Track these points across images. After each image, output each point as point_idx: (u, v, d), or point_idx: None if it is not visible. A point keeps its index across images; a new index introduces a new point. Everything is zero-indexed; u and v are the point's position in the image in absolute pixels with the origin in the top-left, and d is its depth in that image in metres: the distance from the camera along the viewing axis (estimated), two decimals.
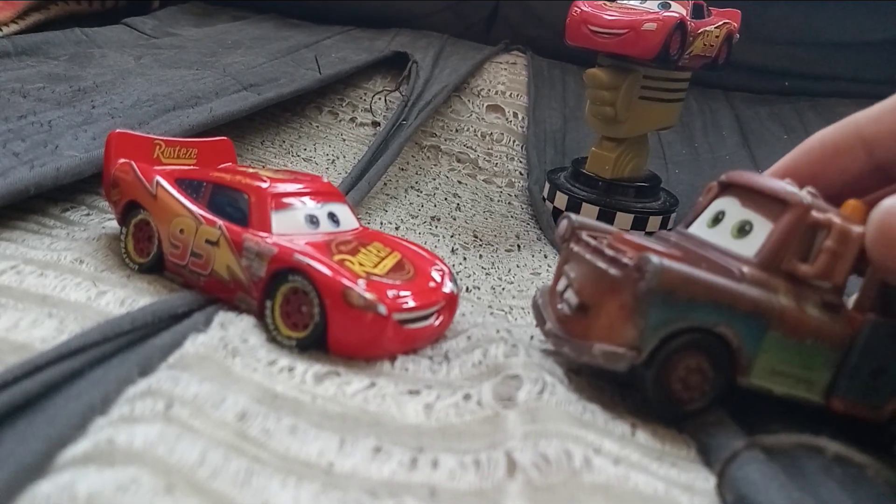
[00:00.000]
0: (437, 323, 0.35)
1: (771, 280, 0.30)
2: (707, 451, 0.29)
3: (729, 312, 0.29)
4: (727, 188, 0.36)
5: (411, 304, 0.34)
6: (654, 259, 0.28)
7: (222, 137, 0.46)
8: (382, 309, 0.32)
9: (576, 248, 0.34)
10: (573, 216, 0.35)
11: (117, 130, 0.41)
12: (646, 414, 0.31)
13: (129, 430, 0.22)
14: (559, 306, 0.34)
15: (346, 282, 0.32)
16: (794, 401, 0.31)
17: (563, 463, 0.25)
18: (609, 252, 0.31)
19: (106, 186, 0.41)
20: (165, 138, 0.43)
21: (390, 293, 0.33)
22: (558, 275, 0.35)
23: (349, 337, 0.32)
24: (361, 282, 0.32)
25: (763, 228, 0.32)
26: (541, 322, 0.34)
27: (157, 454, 0.22)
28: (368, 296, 0.32)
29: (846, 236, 0.30)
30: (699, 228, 0.35)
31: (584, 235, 0.34)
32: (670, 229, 0.38)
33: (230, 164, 0.45)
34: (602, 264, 0.31)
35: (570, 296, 0.33)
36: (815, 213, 0.31)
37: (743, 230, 0.33)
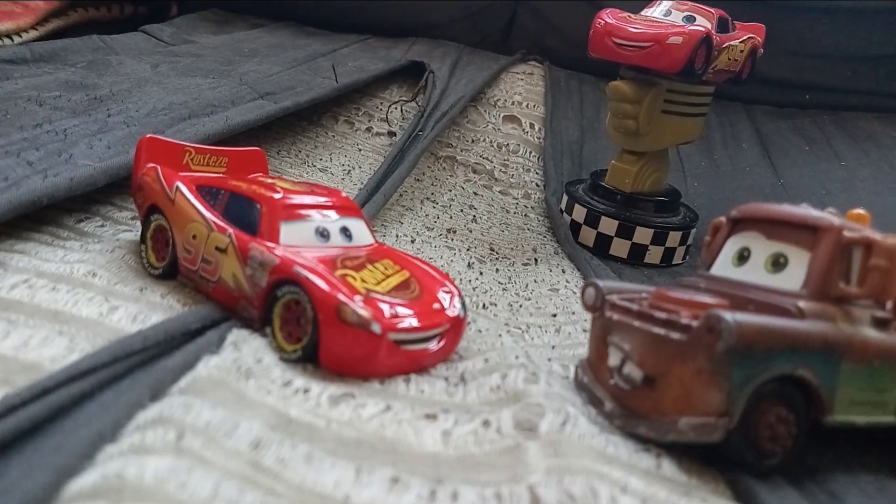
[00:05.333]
0: (437, 346, 0.34)
1: (826, 309, 0.29)
2: (737, 484, 0.28)
3: (804, 354, 0.28)
4: (741, 223, 0.34)
5: (409, 324, 0.33)
6: (727, 316, 0.26)
7: (255, 148, 0.46)
8: (376, 327, 0.31)
9: (616, 316, 0.32)
10: (599, 282, 0.33)
11: (148, 135, 0.41)
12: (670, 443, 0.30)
13: (139, 462, 0.22)
14: (612, 382, 0.31)
15: (341, 297, 0.31)
16: (874, 427, 0.30)
17: (590, 501, 0.24)
18: (660, 315, 0.29)
19: (133, 190, 0.41)
20: (196, 145, 0.43)
21: (388, 312, 0.32)
22: (600, 348, 0.33)
23: (341, 353, 0.31)
24: (358, 298, 0.31)
25: (799, 259, 0.31)
26: (596, 403, 0.32)
27: (167, 490, 0.21)
28: (363, 312, 0.31)
29: (893, 252, 0.29)
30: (724, 269, 0.34)
31: (618, 300, 0.32)
32: (698, 273, 0.36)
33: (258, 174, 0.45)
34: (659, 330, 0.29)
35: (632, 369, 0.30)
36: (847, 233, 0.30)
37: (777, 263, 0.32)
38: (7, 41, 0.78)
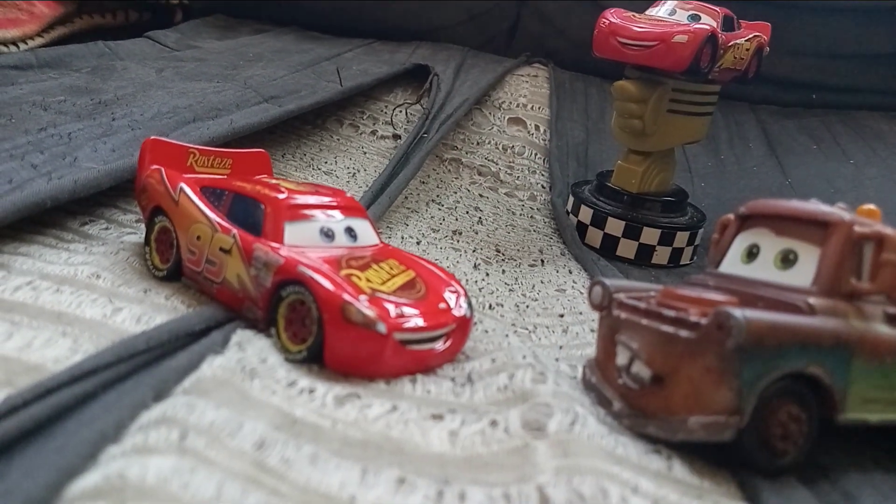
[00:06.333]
0: (443, 346, 0.34)
1: (837, 306, 0.29)
2: (748, 484, 0.27)
3: (815, 351, 0.27)
4: (749, 220, 0.34)
5: (416, 324, 0.32)
6: (737, 312, 0.26)
7: (259, 150, 0.46)
8: (382, 327, 0.30)
9: (624, 314, 0.31)
10: (607, 281, 0.33)
11: (152, 137, 0.41)
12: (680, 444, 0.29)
13: (141, 462, 0.21)
14: (621, 381, 0.31)
15: (346, 297, 0.31)
16: (887, 425, 0.30)
17: (600, 502, 0.23)
18: (668, 313, 0.29)
19: (137, 191, 0.41)
20: (200, 147, 0.43)
21: (394, 311, 0.32)
22: (608, 347, 0.32)
23: (346, 353, 0.31)
24: (364, 298, 0.31)
25: (809, 255, 0.30)
26: (604, 403, 0.31)
27: (170, 490, 0.20)
28: (368, 312, 0.30)
29: None
30: (733, 266, 0.33)
31: (625, 299, 0.32)
32: (707, 271, 0.35)
33: (262, 175, 0.45)
34: (668, 328, 0.29)
35: (641, 368, 0.30)
36: (858, 228, 0.30)
37: (787, 260, 0.31)
38: (13, 48, 0.78)
